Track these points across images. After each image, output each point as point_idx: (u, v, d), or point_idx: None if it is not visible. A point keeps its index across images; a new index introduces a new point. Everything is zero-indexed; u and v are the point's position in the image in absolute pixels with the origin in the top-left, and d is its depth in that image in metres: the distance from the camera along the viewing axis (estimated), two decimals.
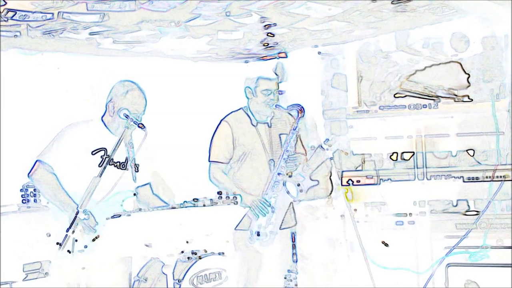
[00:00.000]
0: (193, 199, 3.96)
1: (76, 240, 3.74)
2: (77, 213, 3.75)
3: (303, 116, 4.41)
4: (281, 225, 4.37)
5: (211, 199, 4.01)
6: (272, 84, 4.42)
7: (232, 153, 4.35)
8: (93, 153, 3.87)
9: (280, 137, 4.46)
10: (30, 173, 3.83)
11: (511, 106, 4.24)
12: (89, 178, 3.78)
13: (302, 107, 4.40)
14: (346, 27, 4.05)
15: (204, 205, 3.97)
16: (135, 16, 3.45)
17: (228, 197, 4.06)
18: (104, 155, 3.89)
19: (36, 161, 3.82)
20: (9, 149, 3.88)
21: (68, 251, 3.72)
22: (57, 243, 3.73)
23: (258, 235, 4.30)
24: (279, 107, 4.43)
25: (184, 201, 3.96)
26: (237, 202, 4.06)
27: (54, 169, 3.81)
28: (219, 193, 4.08)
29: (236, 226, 4.22)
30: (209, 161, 4.34)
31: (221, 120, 4.39)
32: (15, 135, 3.90)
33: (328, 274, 4.57)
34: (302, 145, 4.52)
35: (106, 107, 3.99)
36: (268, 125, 4.45)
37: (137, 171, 4.03)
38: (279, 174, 4.35)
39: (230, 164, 4.37)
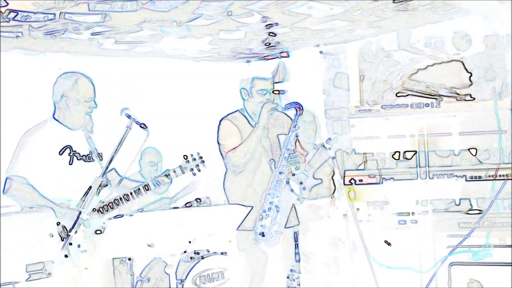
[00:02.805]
0: (172, 170, 4.09)
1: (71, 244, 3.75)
2: (79, 213, 3.76)
3: (301, 114, 4.42)
4: (285, 224, 4.38)
5: (180, 166, 4.10)
6: (267, 83, 4.43)
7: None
8: (60, 153, 3.86)
9: (278, 138, 4.46)
10: (4, 190, 3.76)
11: None
12: (63, 178, 3.78)
13: (301, 105, 4.41)
14: (348, 26, 4.05)
15: (174, 171, 4.08)
16: (136, 16, 3.46)
17: (195, 159, 4.11)
18: (70, 152, 3.88)
19: (6, 178, 3.76)
20: (11, 149, 3.87)
21: (66, 255, 3.72)
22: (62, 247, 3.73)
23: (263, 235, 4.30)
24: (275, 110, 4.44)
25: (167, 169, 4.04)
26: (203, 161, 4.14)
27: (27, 179, 3.76)
28: (185, 156, 4.11)
29: (238, 226, 4.22)
30: (226, 153, 4.34)
31: (220, 120, 4.39)
32: (16, 135, 3.89)
33: (330, 273, 4.56)
34: (300, 145, 4.52)
35: (54, 105, 3.94)
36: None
37: (102, 160, 4.01)
38: (281, 173, 4.35)
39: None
